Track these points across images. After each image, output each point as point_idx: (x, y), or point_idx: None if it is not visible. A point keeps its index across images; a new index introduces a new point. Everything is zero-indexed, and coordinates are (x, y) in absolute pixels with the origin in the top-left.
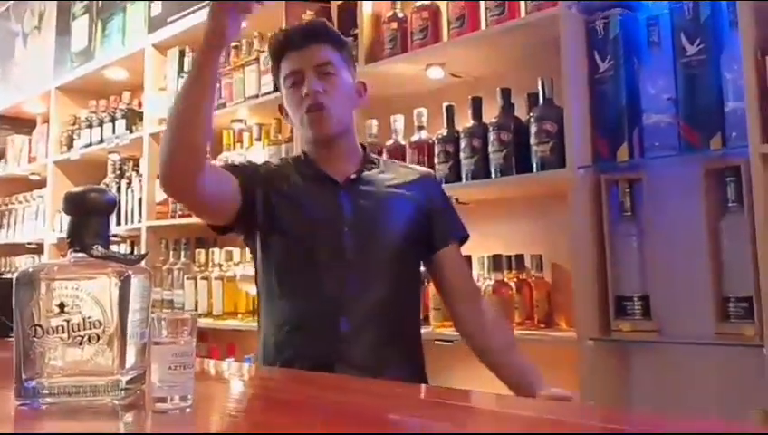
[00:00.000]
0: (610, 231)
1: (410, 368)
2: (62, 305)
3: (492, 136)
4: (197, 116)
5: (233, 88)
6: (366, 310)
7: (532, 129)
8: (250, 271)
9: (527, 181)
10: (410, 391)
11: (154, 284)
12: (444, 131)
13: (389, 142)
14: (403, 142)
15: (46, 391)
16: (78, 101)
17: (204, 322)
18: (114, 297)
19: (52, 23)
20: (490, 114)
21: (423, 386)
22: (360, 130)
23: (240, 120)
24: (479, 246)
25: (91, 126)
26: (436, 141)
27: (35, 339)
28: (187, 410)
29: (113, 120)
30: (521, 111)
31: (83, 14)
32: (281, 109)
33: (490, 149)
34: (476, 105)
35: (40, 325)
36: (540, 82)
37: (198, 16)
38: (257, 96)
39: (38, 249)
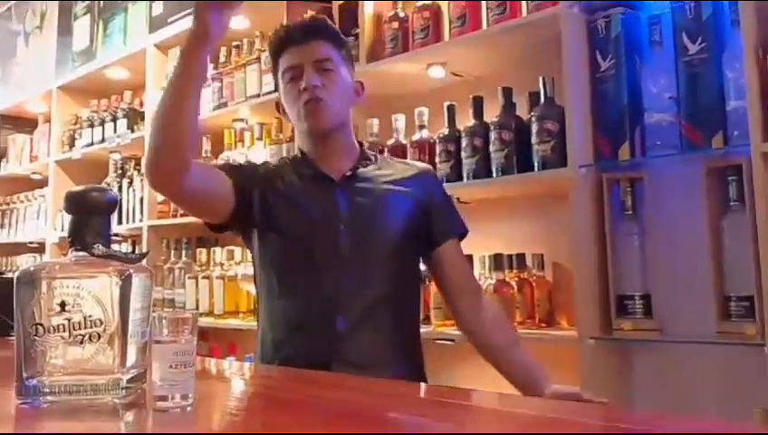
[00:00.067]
0: (612, 230)
1: (409, 367)
2: (63, 304)
3: (493, 135)
4: (181, 113)
5: (234, 87)
6: (363, 308)
7: (534, 128)
8: (251, 270)
9: (528, 180)
10: (411, 390)
11: (155, 283)
12: (445, 131)
13: (390, 141)
14: (404, 141)
15: (47, 390)
16: (79, 101)
17: (205, 321)
18: (115, 296)
19: (54, 22)
20: (491, 113)
21: (423, 385)
22: (362, 130)
23: (241, 120)
24: (480, 246)
25: (92, 125)
26: (437, 141)
27: (36, 338)
28: (188, 408)
29: (115, 119)
30: (522, 111)
31: (85, 13)
32: (278, 105)
33: (491, 148)
34: (478, 104)
35: (41, 324)
36: (541, 82)
37: None
38: (258, 95)
39: (39, 248)
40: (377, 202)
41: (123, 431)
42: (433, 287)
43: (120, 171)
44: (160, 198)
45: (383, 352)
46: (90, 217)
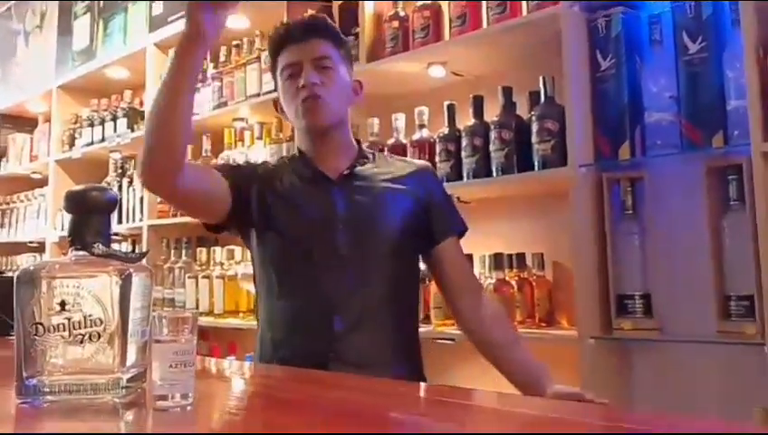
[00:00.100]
0: (612, 230)
1: (408, 366)
2: (63, 304)
3: (493, 135)
4: (174, 115)
5: (234, 87)
6: (361, 308)
7: (534, 127)
8: (251, 270)
9: (528, 180)
10: (411, 390)
11: (155, 282)
12: (445, 130)
13: (391, 141)
14: (404, 141)
15: (47, 389)
16: (79, 100)
17: (205, 320)
18: (115, 295)
19: (54, 22)
20: (491, 113)
21: (423, 384)
22: (362, 129)
23: (241, 119)
24: (480, 245)
25: (92, 125)
26: (437, 140)
27: (36, 337)
28: (188, 408)
29: (115, 118)
30: (522, 110)
31: (85, 13)
32: (276, 103)
33: (491, 147)
34: (478, 104)
35: (41, 323)
36: (541, 81)
37: None
38: (258, 95)
39: (39, 248)
40: (375, 201)
41: (123, 431)
42: (433, 287)
43: (120, 171)
44: None
45: (382, 352)
46: (90, 217)
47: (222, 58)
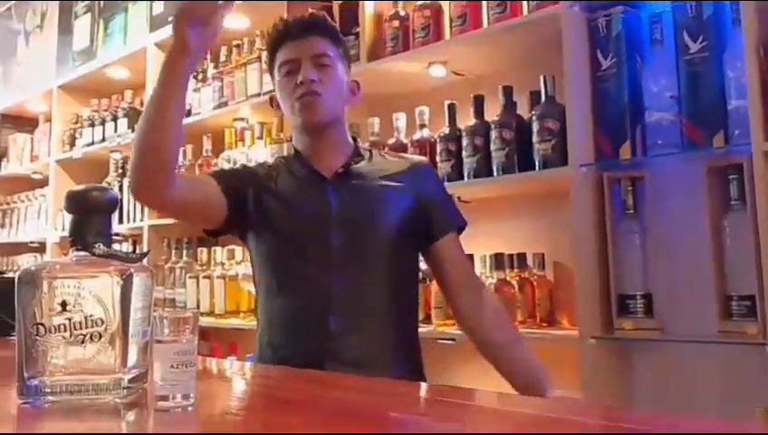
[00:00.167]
0: (613, 229)
1: (408, 366)
2: (64, 304)
3: (494, 134)
4: (162, 127)
5: (234, 86)
6: (356, 307)
7: (535, 127)
8: (251, 270)
9: (529, 179)
10: (411, 390)
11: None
12: (446, 130)
13: (391, 141)
14: (405, 141)
15: (48, 390)
16: (80, 100)
17: (206, 320)
18: (116, 296)
19: (55, 21)
20: (492, 112)
21: (424, 384)
22: (362, 129)
23: (242, 119)
24: (481, 245)
25: (93, 125)
26: (438, 140)
27: (37, 337)
28: (189, 408)
29: (115, 118)
30: (523, 110)
31: (85, 12)
32: (272, 100)
33: (492, 147)
34: (478, 103)
35: (42, 324)
36: (542, 80)
37: None
38: (259, 95)
39: (40, 248)
40: (370, 198)
41: (124, 431)
42: (434, 287)
43: (120, 170)
44: None
45: (381, 352)
46: (90, 217)
47: (222, 58)
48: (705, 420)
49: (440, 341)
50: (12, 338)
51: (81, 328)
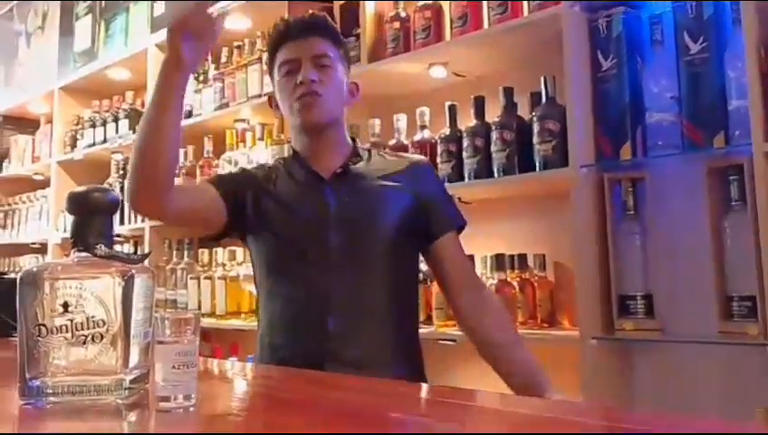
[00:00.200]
0: (613, 230)
1: (409, 367)
2: (65, 305)
3: (494, 135)
4: (157, 145)
5: (236, 88)
6: (355, 308)
7: (535, 128)
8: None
9: (530, 180)
10: (411, 390)
11: (157, 283)
12: (446, 131)
13: (392, 142)
14: (405, 142)
15: (50, 391)
16: (81, 102)
17: (207, 321)
18: (118, 297)
19: (56, 23)
20: (493, 113)
21: (424, 385)
22: (363, 130)
23: (243, 120)
24: (482, 246)
25: (94, 126)
26: (438, 141)
27: (39, 338)
28: (191, 409)
29: (116, 120)
30: (523, 111)
31: (86, 14)
32: (270, 100)
33: (493, 148)
34: (479, 104)
35: (44, 325)
36: (542, 81)
37: None
38: (260, 96)
39: (42, 249)
40: (368, 198)
41: (126, 432)
42: (435, 288)
43: (121, 172)
44: None
45: (379, 352)
46: (92, 218)
47: (223, 59)
48: (705, 421)
49: (441, 342)
50: (13, 339)
51: (82, 329)
